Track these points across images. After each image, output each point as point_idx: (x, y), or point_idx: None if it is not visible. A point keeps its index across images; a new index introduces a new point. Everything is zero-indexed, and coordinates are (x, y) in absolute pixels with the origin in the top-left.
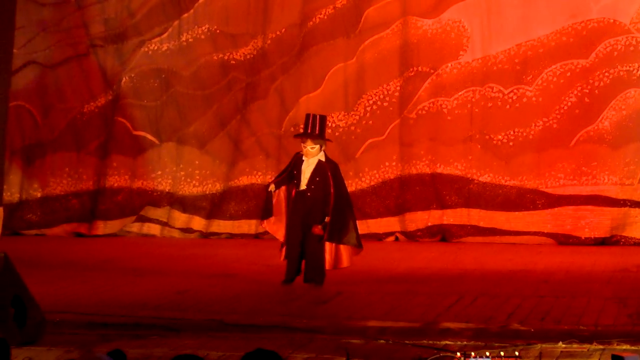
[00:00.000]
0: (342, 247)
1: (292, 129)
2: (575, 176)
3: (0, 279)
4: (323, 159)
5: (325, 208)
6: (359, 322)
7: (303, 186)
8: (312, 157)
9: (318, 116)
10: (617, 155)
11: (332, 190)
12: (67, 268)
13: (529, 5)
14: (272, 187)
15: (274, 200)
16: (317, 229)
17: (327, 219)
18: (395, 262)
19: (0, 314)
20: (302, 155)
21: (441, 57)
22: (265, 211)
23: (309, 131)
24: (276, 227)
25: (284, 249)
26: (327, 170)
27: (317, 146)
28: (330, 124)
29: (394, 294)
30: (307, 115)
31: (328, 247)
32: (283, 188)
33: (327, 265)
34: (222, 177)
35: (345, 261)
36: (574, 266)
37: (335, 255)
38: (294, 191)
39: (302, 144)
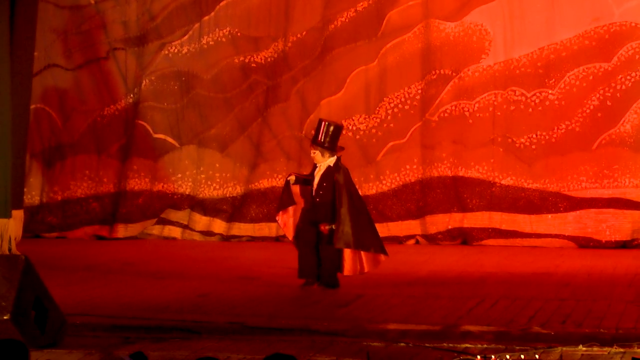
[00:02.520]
0: (363, 253)
1: (313, 132)
2: (597, 179)
3: (21, 282)
4: (332, 165)
5: (333, 213)
6: (379, 325)
7: (314, 192)
8: (318, 162)
9: (328, 125)
10: (639, 158)
11: (337, 196)
12: (88, 271)
13: (551, 9)
14: (292, 178)
15: (292, 192)
16: (323, 227)
17: (333, 225)
18: (416, 265)
19: (21, 316)
20: None
21: (463, 60)
22: (281, 202)
23: (314, 137)
24: (287, 221)
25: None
26: (333, 176)
27: (318, 152)
28: (351, 127)
29: (414, 297)
30: (320, 121)
31: (348, 253)
32: (300, 189)
33: (347, 272)
34: (242, 180)
35: (366, 267)
36: (595, 269)
37: (356, 261)
38: (306, 197)
39: None
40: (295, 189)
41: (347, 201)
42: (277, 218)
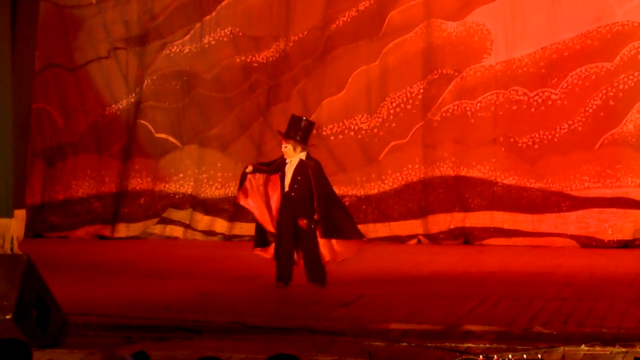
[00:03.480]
0: (340, 241)
1: (314, 132)
2: (599, 179)
3: (23, 281)
4: (304, 159)
5: (312, 206)
6: (381, 324)
7: (287, 187)
8: (289, 157)
9: (298, 119)
10: None
11: (314, 189)
12: (90, 270)
13: (553, 9)
14: (249, 169)
15: (248, 184)
16: (302, 222)
17: (315, 216)
18: (417, 265)
19: (23, 316)
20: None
21: (465, 60)
22: (240, 186)
23: (286, 131)
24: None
25: (271, 247)
26: (307, 169)
27: (290, 146)
28: (353, 127)
29: (416, 297)
30: (292, 116)
31: (322, 242)
32: (261, 182)
33: (332, 257)
34: None
35: (344, 253)
36: (597, 269)
37: (331, 248)
38: (279, 194)
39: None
40: (255, 180)
41: (324, 193)
42: (239, 198)
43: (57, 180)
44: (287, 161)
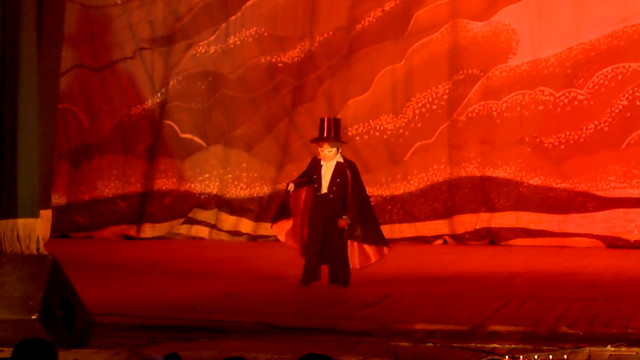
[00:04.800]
0: (366, 245)
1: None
2: (625, 179)
3: (48, 282)
4: (341, 161)
5: (346, 207)
6: (406, 325)
7: (325, 189)
8: (330, 160)
9: (332, 119)
10: None
11: (349, 190)
12: (116, 270)
13: (579, 9)
14: (291, 187)
15: (291, 202)
16: (343, 221)
17: (345, 217)
18: (443, 265)
19: (48, 316)
20: (319, 159)
21: (491, 60)
22: (281, 212)
23: (324, 135)
24: (283, 229)
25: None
26: (346, 171)
27: (334, 149)
28: (378, 127)
29: (442, 297)
30: (322, 119)
31: (353, 246)
32: (300, 191)
33: (354, 265)
34: (269, 180)
35: (372, 258)
36: (623, 269)
37: (361, 254)
38: (312, 195)
39: (319, 148)
40: (295, 195)
41: (358, 196)
42: (273, 227)
43: (82, 181)
44: (321, 163)
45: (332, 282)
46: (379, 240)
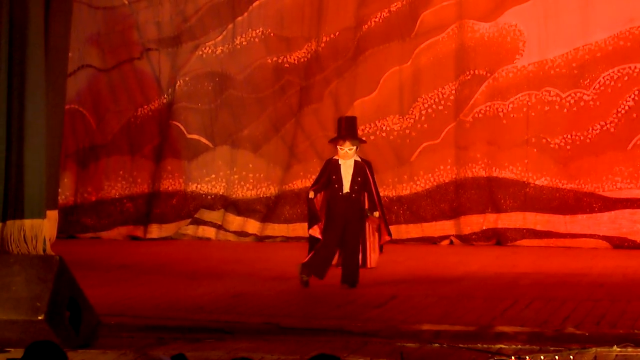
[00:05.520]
0: (377, 248)
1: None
2: (632, 179)
3: (55, 282)
4: (359, 160)
5: (369, 205)
6: (413, 325)
7: (347, 189)
8: (349, 158)
9: (350, 117)
10: None
11: (373, 188)
12: (123, 271)
13: (586, 10)
14: (312, 194)
15: (318, 207)
16: (375, 219)
17: (376, 214)
18: (450, 266)
19: (55, 317)
20: (336, 159)
21: (497, 61)
22: (313, 218)
23: (344, 133)
24: (318, 230)
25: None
26: (365, 169)
27: (354, 147)
28: (384, 128)
29: (448, 298)
30: (340, 118)
31: (370, 245)
32: (320, 194)
33: (372, 264)
34: (276, 181)
35: (378, 258)
36: (629, 270)
37: (376, 252)
38: (331, 195)
39: (338, 147)
40: (317, 199)
41: (378, 192)
42: (311, 232)
43: (89, 181)
44: (339, 162)
45: (345, 282)
46: (384, 235)
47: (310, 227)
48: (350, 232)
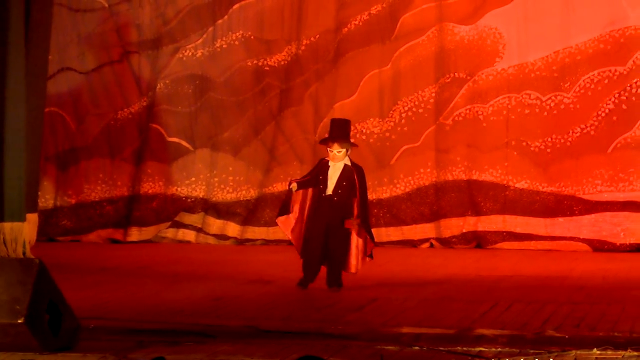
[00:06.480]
0: (362, 249)
1: (326, 135)
2: (612, 182)
3: (35, 285)
4: (349, 164)
5: (351, 211)
6: (393, 328)
7: (330, 191)
8: (338, 161)
9: (343, 120)
10: None
11: (358, 194)
12: (102, 274)
13: (566, 13)
14: (294, 186)
15: (292, 200)
16: (350, 223)
17: (358, 221)
18: (430, 269)
19: (35, 320)
20: (327, 160)
21: (477, 64)
22: (282, 208)
23: (333, 135)
24: (288, 225)
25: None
26: (354, 174)
27: (344, 150)
28: (364, 131)
29: (429, 300)
30: (332, 120)
31: (354, 250)
32: (304, 191)
33: (354, 269)
34: (256, 184)
35: (362, 263)
36: (609, 273)
37: (359, 258)
38: (316, 196)
39: (328, 149)
40: (298, 195)
41: (365, 199)
42: (277, 221)
43: (69, 184)
44: (329, 164)
45: (331, 285)
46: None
47: (278, 215)
48: (334, 235)
